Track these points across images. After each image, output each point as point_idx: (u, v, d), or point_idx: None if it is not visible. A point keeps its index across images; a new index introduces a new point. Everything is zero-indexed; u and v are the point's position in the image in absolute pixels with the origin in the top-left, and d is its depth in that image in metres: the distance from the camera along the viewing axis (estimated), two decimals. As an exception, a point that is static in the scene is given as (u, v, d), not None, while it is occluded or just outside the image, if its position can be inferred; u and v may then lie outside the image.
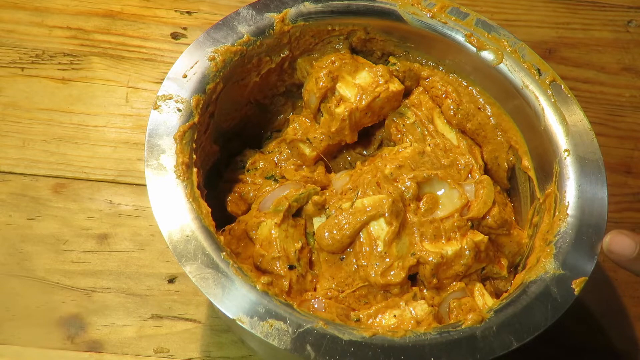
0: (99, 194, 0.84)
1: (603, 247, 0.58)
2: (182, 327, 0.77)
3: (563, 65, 1.01)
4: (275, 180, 0.73)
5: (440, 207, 0.67)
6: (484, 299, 0.65)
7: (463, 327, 0.54)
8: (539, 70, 0.69)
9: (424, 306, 0.62)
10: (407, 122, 0.75)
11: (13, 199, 0.82)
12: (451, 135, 0.74)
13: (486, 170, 0.74)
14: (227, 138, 0.75)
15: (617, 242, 0.58)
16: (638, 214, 0.90)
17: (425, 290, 0.65)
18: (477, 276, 0.67)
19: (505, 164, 0.74)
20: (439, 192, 0.67)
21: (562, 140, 0.65)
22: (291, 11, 0.70)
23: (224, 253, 0.56)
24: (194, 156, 0.61)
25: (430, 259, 0.63)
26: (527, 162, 0.70)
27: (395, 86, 0.73)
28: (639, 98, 1.00)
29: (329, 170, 0.76)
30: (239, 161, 0.76)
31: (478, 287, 0.66)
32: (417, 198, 0.66)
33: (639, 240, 0.57)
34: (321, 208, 0.68)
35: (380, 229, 0.63)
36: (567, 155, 0.64)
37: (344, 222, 0.64)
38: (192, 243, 0.55)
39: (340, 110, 0.71)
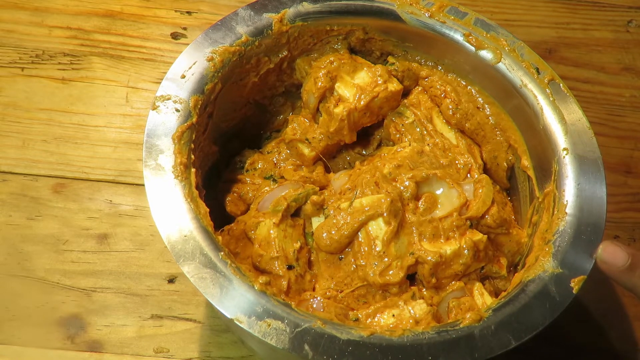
0: (99, 194, 0.84)
1: (596, 256, 0.58)
2: (182, 327, 0.77)
3: (563, 65, 1.01)
4: (274, 180, 0.73)
5: (439, 206, 0.67)
6: (483, 298, 0.65)
7: (461, 326, 0.54)
8: (537, 69, 0.69)
9: (422, 305, 0.62)
10: (406, 121, 0.75)
11: (13, 199, 0.83)
12: (450, 135, 0.74)
13: (485, 170, 0.74)
14: (227, 138, 0.75)
15: (609, 251, 0.57)
16: (638, 214, 0.90)
17: (424, 290, 0.65)
18: (476, 275, 0.67)
19: (505, 164, 0.74)
20: (438, 192, 0.67)
21: (560, 139, 0.65)
22: (289, 11, 0.70)
23: (222, 253, 0.56)
24: (193, 156, 0.61)
25: (429, 258, 0.63)
26: (526, 161, 0.70)
27: (394, 86, 0.74)
28: (639, 98, 1.00)
29: (328, 170, 0.76)
30: (238, 161, 0.76)
31: (477, 287, 0.66)
32: (416, 197, 0.66)
33: (631, 252, 0.57)
34: (320, 208, 0.68)
35: (378, 228, 0.63)
36: (566, 154, 0.64)
37: (342, 222, 0.64)
38: (190, 243, 0.55)
39: (339, 110, 0.71)
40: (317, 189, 0.70)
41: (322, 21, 0.71)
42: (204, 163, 0.69)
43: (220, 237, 0.59)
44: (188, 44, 0.67)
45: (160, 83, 0.64)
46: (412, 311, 0.61)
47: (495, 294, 0.68)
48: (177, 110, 0.62)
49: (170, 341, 0.76)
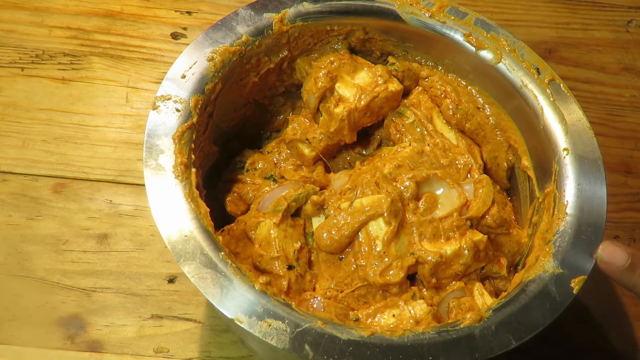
0: (99, 194, 0.84)
1: (596, 256, 0.58)
2: (182, 327, 0.77)
3: (563, 65, 1.01)
4: (274, 180, 0.73)
5: (439, 206, 0.67)
6: (483, 299, 0.65)
7: (461, 326, 0.54)
8: (537, 70, 0.69)
9: (423, 306, 0.62)
10: (406, 121, 0.75)
11: (13, 199, 0.83)
12: (450, 135, 0.74)
13: (486, 170, 0.74)
14: (227, 138, 0.75)
15: (609, 251, 0.58)
16: (638, 214, 0.90)
17: (424, 290, 0.65)
18: (476, 275, 0.67)
19: (505, 164, 0.74)
20: (438, 192, 0.67)
21: (561, 139, 0.65)
22: (290, 11, 0.70)
23: (222, 253, 0.56)
24: (193, 156, 0.61)
25: (429, 258, 0.62)
26: (526, 162, 0.70)
27: (394, 86, 0.74)
28: (639, 98, 1.00)
29: (328, 170, 0.76)
30: (238, 161, 0.76)
31: (477, 287, 0.66)
32: (416, 197, 0.66)
33: (631, 252, 0.57)
34: (320, 208, 0.68)
35: (379, 228, 0.63)
36: (566, 154, 0.64)
37: (342, 222, 0.64)
38: (190, 243, 0.55)
39: (339, 110, 0.71)
40: (318, 189, 0.70)
41: (322, 21, 0.71)
42: (204, 163, 0.69)
43: (220, 237, 0.59)
44: (188, 44, 0.67)
45: (160, 83, 0.64)
46: (412, 311, 0.61)
47: (496, 294, 0.68)
48: (178, 110, 0.62)
49: (170, 341, 0.76)
